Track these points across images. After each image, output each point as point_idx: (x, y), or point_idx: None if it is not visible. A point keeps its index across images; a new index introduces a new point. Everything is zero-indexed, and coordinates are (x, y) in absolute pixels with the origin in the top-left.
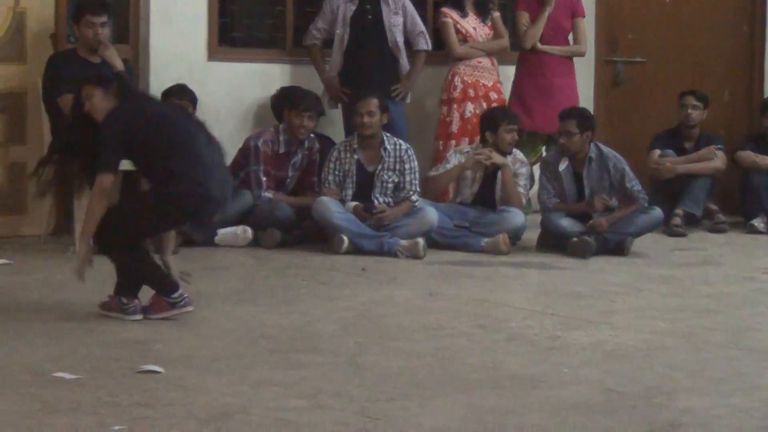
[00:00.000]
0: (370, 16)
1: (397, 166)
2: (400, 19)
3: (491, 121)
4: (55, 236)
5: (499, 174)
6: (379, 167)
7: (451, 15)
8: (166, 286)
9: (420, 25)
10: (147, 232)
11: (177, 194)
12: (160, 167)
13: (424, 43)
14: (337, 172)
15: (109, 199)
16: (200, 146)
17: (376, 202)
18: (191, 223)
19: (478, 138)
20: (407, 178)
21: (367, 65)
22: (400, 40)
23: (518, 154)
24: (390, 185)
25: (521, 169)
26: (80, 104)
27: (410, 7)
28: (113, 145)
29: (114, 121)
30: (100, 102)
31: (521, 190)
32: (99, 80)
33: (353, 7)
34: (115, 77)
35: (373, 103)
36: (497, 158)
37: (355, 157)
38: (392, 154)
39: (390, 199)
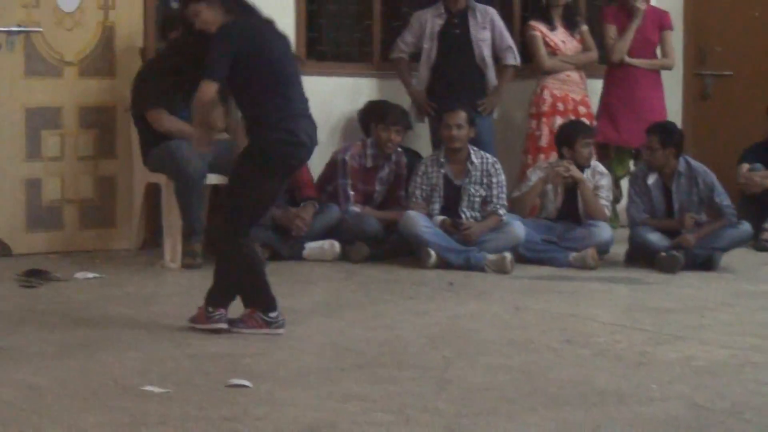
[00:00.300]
0: (457, 31)
1: (484, 180)
2: (488, 34)
3: (567, 136)
4: (144, 250)
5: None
6: (466, 181)
7: (539, 28)
8: (267, 302)
9: (508, 40)
10: (249, 198)
11: (268, 142)
12: (252, 105)
13: (513, 58)
14: (424, 186)
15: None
16: (294, 92)
17: (463, 216)
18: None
19: (554, 153)
20: (494, 192)
21: (454, 79)
22: (488, 54)
23: (598, 166)
24: (477, 199)
25: (602, 181)
26: (190, 25)
27: (499, 22)
28: (222, 55)
29: (226, 33)
30: (208, 15)
31: (604, 201)
32: None
33: (441, 22)
34: None
35: (461, 116)
36: (575, 172)
37: (442, 170)
38: (479, 167)
39: (477, 213)
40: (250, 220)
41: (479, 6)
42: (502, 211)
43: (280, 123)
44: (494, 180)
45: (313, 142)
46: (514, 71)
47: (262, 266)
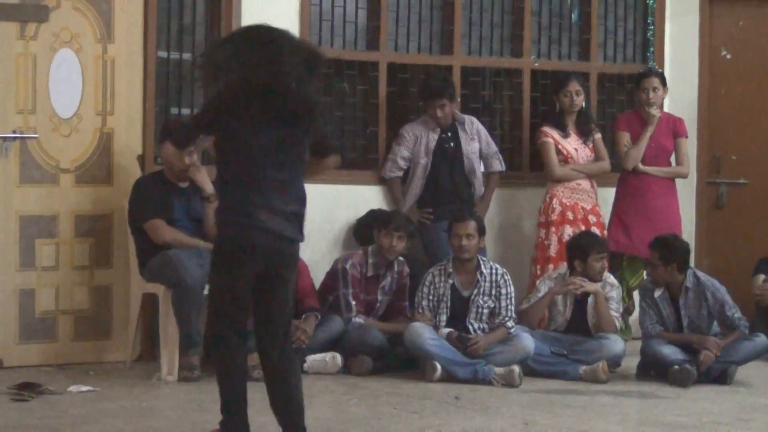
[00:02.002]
0: (451, 144)
1: (493, 291)
2: (476, 145)
3: (580, 249)
4: (140, 363)
5: (590, 300)
6: (474, 292)
7: (552, 135)
8: (234, 427)
9: (494, 147)
10: (221, 296)
11: (219, 224)
12: (219, 174)
13: (499, 165)
14: (431, 297)
15: None
16: (262, 153)
17: (470, 328)
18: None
19: (564, 264)
20: (503, 304)
21: (445, 190)
22: (477, 165)
23: (609, 277)
24: (485, 311)
25: (611, 293)
26: None
27: (483, 130)
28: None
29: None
30: None
31: (614, 313)
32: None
33: (435, 137)
34: None
35: (471, 225)
36: (589, 287)
37: (450, 281)
38: (488, 278)
39: (485, 325)
40: (229, 322)
41: (465, 117)
42: (510, 324)
43: (235, 194)
44: (503, 291)
45: (281, 229)
46: (499, 178)
47: (241, 386)
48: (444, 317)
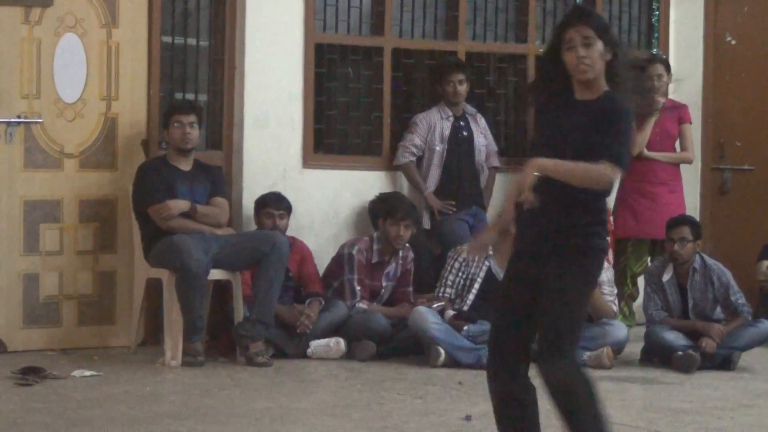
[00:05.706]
0: (465, 133)
1: None
2: (483, 140)
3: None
4: (144, 348)
5: None
6: None
7: None
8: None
9: (495, 145)
10: None
11: None
12: None
13: (497, 161)
14: (460, 274)
15: None
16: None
17: None
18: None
19: None
20: None
21: (460, 181)
22: (483, 159)
23: None
24: None
25: (602, 276)
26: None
27: (487, 128)
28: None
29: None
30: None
31: (608, 297)
32: None
33: (449, 125)
34: None
35: None
36: None
37: (487, 263)
38: None
39: None
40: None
41: (476, 112)
42: None
43: None
44: None
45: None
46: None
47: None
48: (470, 299)
